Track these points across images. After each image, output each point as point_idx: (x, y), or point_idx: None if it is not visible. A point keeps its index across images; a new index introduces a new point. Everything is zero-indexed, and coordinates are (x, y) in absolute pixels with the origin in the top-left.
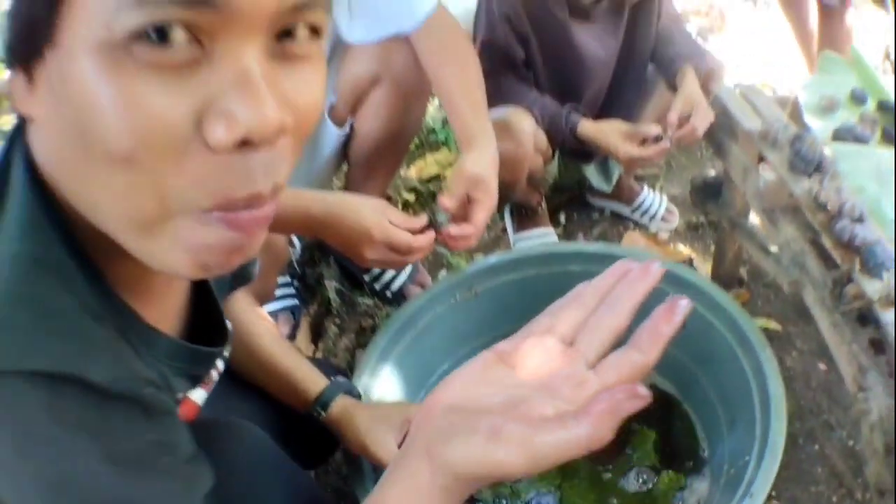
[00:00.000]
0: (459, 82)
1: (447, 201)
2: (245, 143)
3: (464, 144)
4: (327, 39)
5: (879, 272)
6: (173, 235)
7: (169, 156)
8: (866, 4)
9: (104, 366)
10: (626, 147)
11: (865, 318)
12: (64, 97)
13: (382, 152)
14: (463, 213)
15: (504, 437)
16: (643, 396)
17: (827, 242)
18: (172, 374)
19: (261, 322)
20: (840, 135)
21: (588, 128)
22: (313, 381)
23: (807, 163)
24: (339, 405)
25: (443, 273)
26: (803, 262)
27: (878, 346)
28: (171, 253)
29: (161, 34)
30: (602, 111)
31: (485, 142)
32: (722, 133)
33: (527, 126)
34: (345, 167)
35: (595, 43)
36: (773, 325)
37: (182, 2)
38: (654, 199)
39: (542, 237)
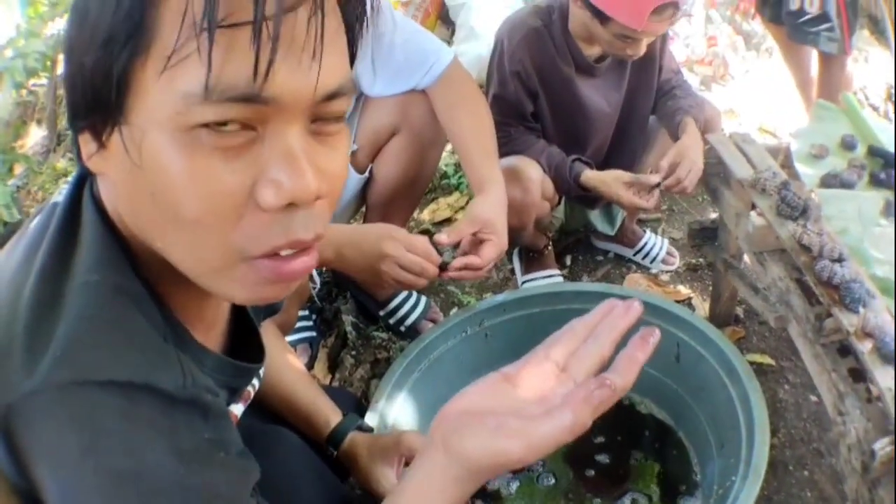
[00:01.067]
0: (472, 132)
1: (442, 237)
2: (290, 205)
3: (476, 189)
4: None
5: (856, 307)
6: (233, 277)
7: (229, 217)
8: (872, 46)
9: (171, 376)
10: (628, 195)
11: (845, 349)
12: (139, 165)
13: (399, 196)
14: (473, 252)
15: (506, 429)
16: (609, 385)
17: (810, 281)
18: (217, 386)
19: (285, 354)
20: (827, 181)
21: (591, 177)
22: (326, 418)
23: (792, 208)
24: (348, 442)
25: (454, 311)
26: (788, 300)
27: (856, 374)
28: (232, 289)
29: (222, 124)
30: (606, 160)
31: (494, 187)
32: (717, 180)
33: (534, 174)
34: (363, 209)
35: (599, 97)
36: (767, 360)
37: (240, 101)
38: (655, 243)
39: (549, 279)
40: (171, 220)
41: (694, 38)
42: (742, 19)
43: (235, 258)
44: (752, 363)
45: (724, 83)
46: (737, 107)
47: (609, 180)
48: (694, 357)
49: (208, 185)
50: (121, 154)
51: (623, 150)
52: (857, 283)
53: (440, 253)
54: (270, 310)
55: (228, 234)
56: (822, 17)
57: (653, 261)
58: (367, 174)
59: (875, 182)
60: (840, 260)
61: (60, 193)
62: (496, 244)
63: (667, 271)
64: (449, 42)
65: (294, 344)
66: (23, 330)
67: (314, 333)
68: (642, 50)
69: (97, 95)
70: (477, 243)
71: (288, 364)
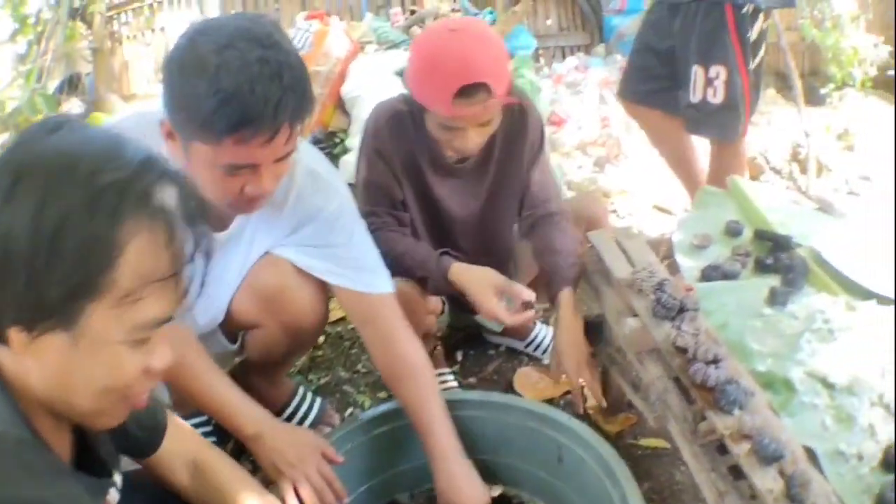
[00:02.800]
0: (420, 397)
1: None
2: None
3: (440, 457)
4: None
5: (731, 409)
6: (111, 413)
7: (133, 383)
8: (775, 106)
9: (58, 490)
10: (491, 305)
11: (725, 446)
12: (77, 359)
13: (277, 359)
14: None
15: None
16: None
17: (685, 382)
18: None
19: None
20: (708, 273)
21: (460, 273)
22: None
23: (667, 309)
24: None
25: (350, 411)
26: (666, 399)
27: (737, 471)
28: (108, 421)
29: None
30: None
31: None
32: (598, 278)
33: (417, 295)
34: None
35: (455, 200)
36: (662, 443)
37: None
38: (546, 333)
39: (439, 378)
40: (94, 391)
41: (587, 120)
42: None
43: (121, 402)
44: (647, 448)
45: (617, 163)
46: (630, 186)
47: (477, 281)
48: (576, 459)
49: (131, 370)
50: (55, 347)
51: (488, 261)
52: (732, 385)
53: None
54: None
55: (125, 391)
56: (728, 106)
57: (544, 352)
58: (237, 345)
59: (761, 268)
60: (715, 361)
61: None
62: None
63: None
64: (346, 134)
65: None
66: None
67: (214, 438)
68: (471, 144)
69: (50, 311)
70: None
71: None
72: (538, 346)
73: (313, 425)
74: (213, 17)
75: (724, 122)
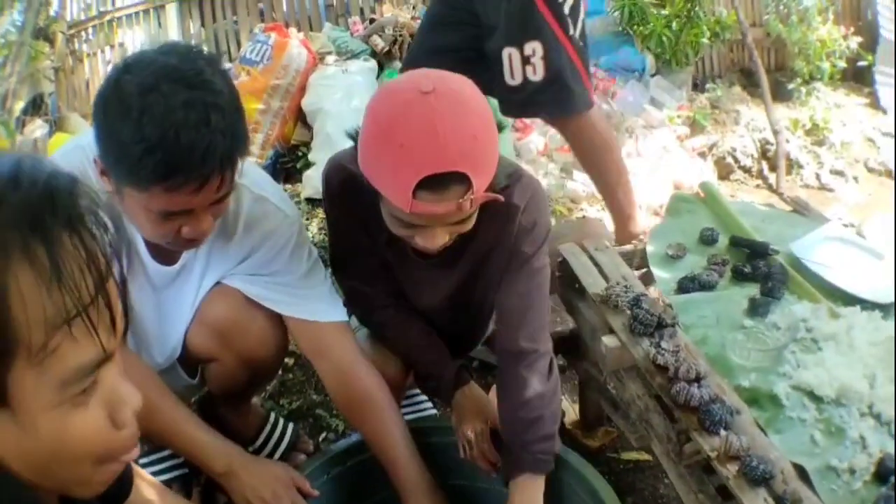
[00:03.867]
0: (385, 432)
1: None
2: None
3: (410, 495)
4: None
5: (717, 429)
6: (91, 481)
7: (106, 445)
8: (741, 105)
9: None
10: (467, 427)
11: (712, 466)
12: (29, 439)
13: (239, 390)
14: None
15: None
16: None
17: (667, 402)
18: None
19: None
20: (684, 285)
21: (467, 396)
22: None
23: (645, 325)
24: None
25: (323, 435)
26: (648, 418)
27: (726, 492)
28: (88, 489)
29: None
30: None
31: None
32: (571, 293)
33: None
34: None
35: (427, 286)
36: (644, 456)
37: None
38: None
39: (414, 398)
40: (63, 465)
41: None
42: (601, 100)
43: (101, 465)
44: (629, 461)
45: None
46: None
47: (480, 409)
48: (556, 480)
49: (91, 429)
50: (3, 429)
51: (464, 343)
52: (717, 404)
53: None
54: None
55: (101, 453)
56: (552, 79)
57: None
58: (197, 379)
59: (739, 277)
60: (697, 379)
61: None
62: None
63: None
64: (308, 149)
65: (168, 482)
66: None
67: (187, 470)
68: (437, 243)
69: None
70: None
71: None
72: None
73: (286, 452)
74: (144, 50)
75: (553, 97)
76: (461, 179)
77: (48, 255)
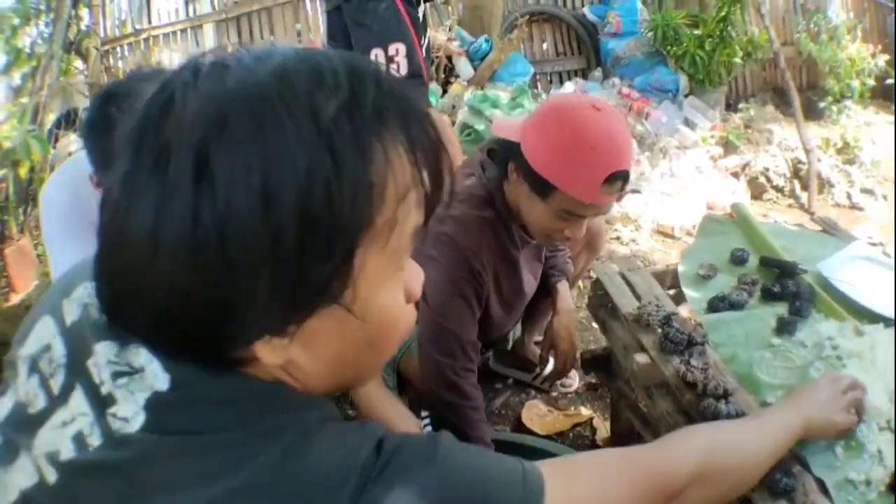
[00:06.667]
0: None
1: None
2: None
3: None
4: None
5: None
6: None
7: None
8: (775, 121)
9: None
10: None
11: None
12: (363, 323)
13: None
14: None
15: None
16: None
17: (695, 417)
18: None
19: None
20: (715, 304)
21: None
22: None
23: (675, 343)
24: None
25: None
26: None
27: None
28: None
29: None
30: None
31: (406, 423)
32: (604, 312)
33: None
34: None
35: (528, 272)
36: None
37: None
38: (553, 365)
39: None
40: (381, 349)
41: None
42: (635, 121)
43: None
44: None
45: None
46: (633, 210)
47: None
48: None
49: (404, 305)
50: (324, 328)
51: (535, 310)
52: None
53: None
54: None
55: (404, 329)
56: (415, 74)
57: (552, 384)
58: None
59: (768, 296)
60: (725, 396)
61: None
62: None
63: (566, 393)
64: None
65: None
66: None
67: None
68: (583, 231)
69: (310, 299)
70: None
71: None
72: (546, 379)
73: None
74: (123, 80)
75: (414, 90)
76: (627, 176)
77: (409, 143)
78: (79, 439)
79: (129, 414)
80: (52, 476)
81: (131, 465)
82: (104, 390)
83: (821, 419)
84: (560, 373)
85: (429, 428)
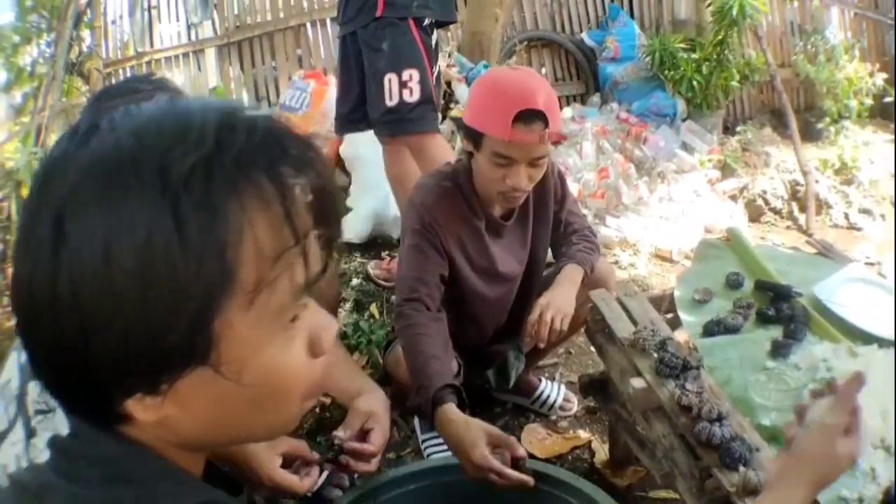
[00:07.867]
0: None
1: (341, 433)
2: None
3: (353, 398)
4: None
5: (736, 466)
6: (294, 417)
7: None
8: (773, 143)
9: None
10: (481, 452)
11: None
12: (241, 385)
13: None
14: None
15: None
16: None
17: (690, 440)
18: None
19: None
20: (710, 328)
21: (448, 418)
22: None
23: (671, 368)
24: None
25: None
26: (673, 457)
27: None
28: (289, 426)
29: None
30: (510, 314)
31: (370, 387)
32: (601, 337)
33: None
34: None
35: (510, 257)
36: (672, 494)
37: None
38: (552, 390)
39: (434, 441)
40: (269, 410)
41: (586, 173)
42: (633, 146)
43: (302, 402)
44: (656, 499)
45: (617, 213)
46: (631, 235)
47: (472, 427)
48: None
49: (298, 362)
50: (197, 387)
51: (525, 302)
52: (737, 442)
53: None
54: None
55: (302, 390)
56: (426, 100)
57: (550, 408)
58: None
59: (763, 320)
60: (720, 419)
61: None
62: (381, 432)
63: (565, 417)
64: (346, 194)
65: None
66: None
67: None
68: (522, 182)
69: (172, 360)
70: (364, 433)
71: None
72: (544, 403)
73: (323, 486)
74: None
75: (423, 114)
76: (542, 117)
77: (279, 196)
78: (17, 459)
79: (42, 447)
80: (5, 482)
81: (40, 490)
82: (33, 423)
83: (826, 472)
84: (529, 345)
85: (431, 450)
